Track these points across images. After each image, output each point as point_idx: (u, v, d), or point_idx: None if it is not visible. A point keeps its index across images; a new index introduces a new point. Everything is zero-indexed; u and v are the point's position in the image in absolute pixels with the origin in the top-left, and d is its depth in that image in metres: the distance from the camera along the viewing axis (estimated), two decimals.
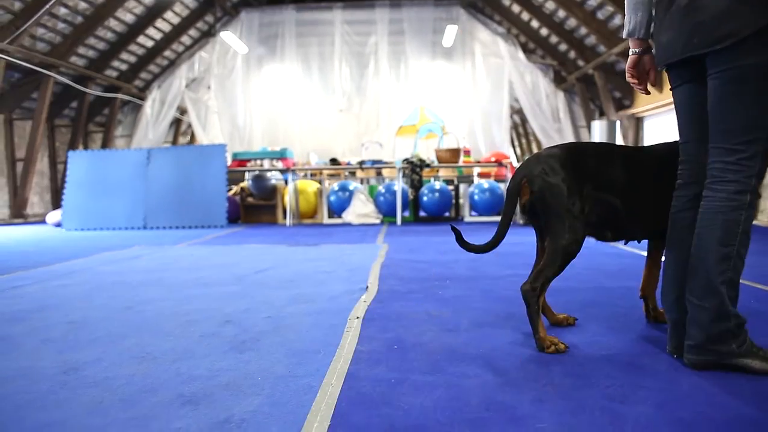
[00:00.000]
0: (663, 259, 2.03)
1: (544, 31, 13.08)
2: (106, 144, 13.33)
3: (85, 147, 13.37)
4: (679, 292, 1.79)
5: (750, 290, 2.86)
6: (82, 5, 10.52)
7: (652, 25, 1.84)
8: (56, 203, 12.40)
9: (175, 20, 13.32)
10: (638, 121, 11.89)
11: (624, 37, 1.91)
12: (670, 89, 1.88)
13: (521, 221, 7.82)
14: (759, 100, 1.59)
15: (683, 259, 1.78)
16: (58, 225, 8.94)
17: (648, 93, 1.98)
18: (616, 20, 10.33)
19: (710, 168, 1.70)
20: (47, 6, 9.30)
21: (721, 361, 1.66)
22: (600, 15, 10.73)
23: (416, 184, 8.77)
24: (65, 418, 1.42)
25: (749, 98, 1.60)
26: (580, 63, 12.38)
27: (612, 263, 3.96)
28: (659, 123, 11.09)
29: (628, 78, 1.93)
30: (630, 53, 1.89)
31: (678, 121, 1.88)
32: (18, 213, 11.14)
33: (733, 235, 1.64)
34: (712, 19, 1.59)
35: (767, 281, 3.09)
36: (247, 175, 9.65)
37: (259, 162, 9.81)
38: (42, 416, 1.44)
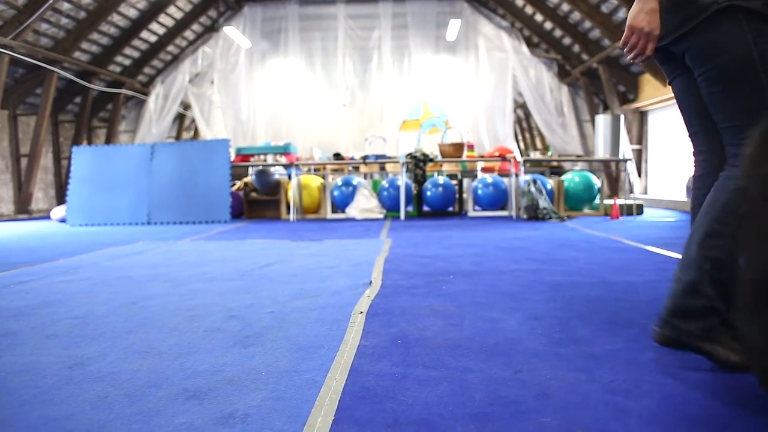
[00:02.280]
0: None
1: (548, 25, 13.01)
2: (109, 139, 13.35)
3: (89, 142, 13.40)
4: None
5: None
6: (86, 0, 10.52)
7: None
8: (60, 199, 12.44)
9: (178, 15, 13.31)
10: (642, 115, 11.83)
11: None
12: (668, 83, 1.84)
13: (524, 216, 7.80)
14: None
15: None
16: (63, 220, 8.97)
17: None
18: (621, 13, 10.25)
19: (726, 148, 1.64)
20: (50, 1, 9.30)
21: (680, 338, 1.61)
22: (604, 8, 10.65)
23: (420, 179, 8.76)
24: (71, 412, 1.43)
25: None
26: (585, 57, 12.32)
27: (616, 258, 3.95)
28: (664, 117, 11.02)
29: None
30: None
31: (681, 114, 1.86)
32: (23, 209, 11.18)
33: (732, 214, 1.57)
34: None
35: None
36: (250, 170, 9.65)
37: (262, 157, 9.83)
38: (47, 411, 1.44)
